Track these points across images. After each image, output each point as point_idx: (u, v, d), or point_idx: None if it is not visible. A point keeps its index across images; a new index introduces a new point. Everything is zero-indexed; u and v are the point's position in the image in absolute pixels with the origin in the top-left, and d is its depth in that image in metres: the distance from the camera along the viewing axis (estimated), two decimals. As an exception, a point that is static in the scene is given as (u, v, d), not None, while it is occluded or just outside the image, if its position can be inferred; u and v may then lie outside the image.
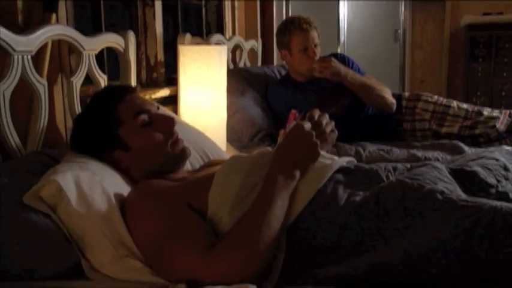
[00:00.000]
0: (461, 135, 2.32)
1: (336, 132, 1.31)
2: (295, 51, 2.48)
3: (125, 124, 1.28)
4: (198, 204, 1.15)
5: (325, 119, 1.28)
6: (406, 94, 2.60)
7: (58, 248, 1.09)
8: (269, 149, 1.49)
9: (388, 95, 2.44)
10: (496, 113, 2.37)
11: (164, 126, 1.31)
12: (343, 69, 2.35)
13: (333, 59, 2.35)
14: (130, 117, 1.28)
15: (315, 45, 2.46)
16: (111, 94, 1.34)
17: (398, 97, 2.54)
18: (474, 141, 2.28)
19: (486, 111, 2.38)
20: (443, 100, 2.49)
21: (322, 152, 1.20)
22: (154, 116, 1.32)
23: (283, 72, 2.80)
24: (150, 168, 1.31)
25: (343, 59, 2.54)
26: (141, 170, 1.31)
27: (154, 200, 1.16)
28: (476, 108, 2.43)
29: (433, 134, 2.41)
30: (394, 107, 2.44)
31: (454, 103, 2.46)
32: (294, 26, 2.46)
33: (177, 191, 1.19)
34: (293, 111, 2.11)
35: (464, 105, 2.46)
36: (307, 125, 1.19)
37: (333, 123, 1.31)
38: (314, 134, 1.17)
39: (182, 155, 1.34)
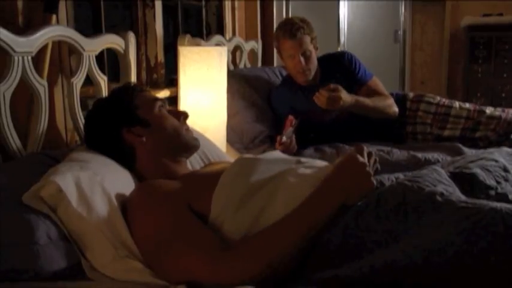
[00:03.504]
0: (462, 138, 2.31)
1: (379, 166, 1.27)
2: (284, 56, 2.45)
3: (144, 107, 1.36)
4: (199, 206, 1.15)
5: (373, 158, 1.23)
6: (411, 95, 2.57)
7: (58, 248, 1.09)
8: (278, 151, 1.49)
9: (389, 108, 2.39)
10: (498, 111, 2.35)
11: (178, 116, 1.41)
12: (348, 101, 2.24)
13: (342, 94, 2.20)
14: (148, 103, 1.37)
15: (303, 52, 2.36)
16: (129, 85, 1.45)
17: (403, 98, 2.51)
18: (474, 143, 2.28)
19: (488, 110, 2.36)
20: (445, 101, 2.47)
21: (325, 163, 1.20)
22: (168, 110, 1.42)
23: (284, 73, 2.79)
24: (168, 145, 1.35)
25: (350, 61, 2.48)
26: (158, 148, 1.34)
27: (158, 200, 1.16)
28: (478, 107, 2.40)
29: (435, 138, 2.39)
30: (396, 114, 2.42)
31: (456, 104, 2.44)
32: (282, 33, 2.39)
33: (179, 192, 1.19)
34: (290, 117, 2.12)
35: (467, 105, 2.43)
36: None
37: (377, 159, 1.25)
38: (367, 164, 1.15)
39: (196, 143, 1.41)
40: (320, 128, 2.40)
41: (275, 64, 3.47)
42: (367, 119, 2.39)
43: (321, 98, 2.20)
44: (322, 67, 2.49)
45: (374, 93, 2.42)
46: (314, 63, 2.43)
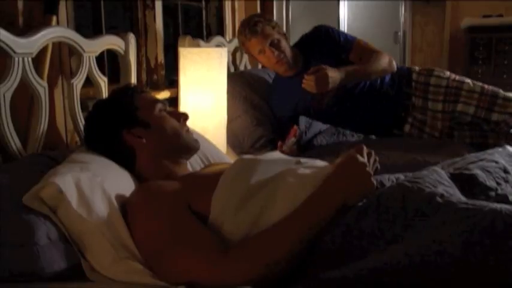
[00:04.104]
0: (476, 118, 2.22)
1: (379, 166, 1.26)
2: (256, 56, 2.40)
3: (144, 109, 1.36)
4: (199, 207, 1.15)
5: (373, 157, 1.23)
6: (417, 68, 2.47)
7: (58, 249, 1.09)
8: (278, 152, 1.49)
9: (385, 64, 2.35)
10: None
11: (178, 117, 1.40)
12: (337, 75, 2.17)
13: (328, 72, 2.13)
14: (148, 104, 1.38)
15: (271, 42, 2.30)
16: (129, 87, 1.46)
17: (408, 71, 2.43)
18: (491, 128, 2.19)
19: (501, 93, 2.27)
20: (455, 76, 2.36)
21: (325, 163, 1.20)
22: (169, 111, 1.42)
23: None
24: (168, 146, 1.35)
25: (327, 32, 2.43)
26: (158, 150, 1.34)
27: (157, 201, 1.16)
28: (491, 88, 2.30)
29: (449, 116, 2.28)
30: (395, 67, 2.38)
31: (468, 79, 2.34)
32: (243, 36, 2.35)
33: (178, 193, 1.19)
34: (295, 127, 2.12)
35: (479, 83, 2.32)
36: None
37: (377, 158, 1.25)
38: (367, 164, 1.14)
39: (196, 144, 1.41)
40: (319, 117, 2.38)
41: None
42: (363, 97, 2.33)
43: (309, 82, 2.16)
44: (302, 51, 2.43)
45: (365, 53, 2.36)
46: (286, 49, 2.36)
